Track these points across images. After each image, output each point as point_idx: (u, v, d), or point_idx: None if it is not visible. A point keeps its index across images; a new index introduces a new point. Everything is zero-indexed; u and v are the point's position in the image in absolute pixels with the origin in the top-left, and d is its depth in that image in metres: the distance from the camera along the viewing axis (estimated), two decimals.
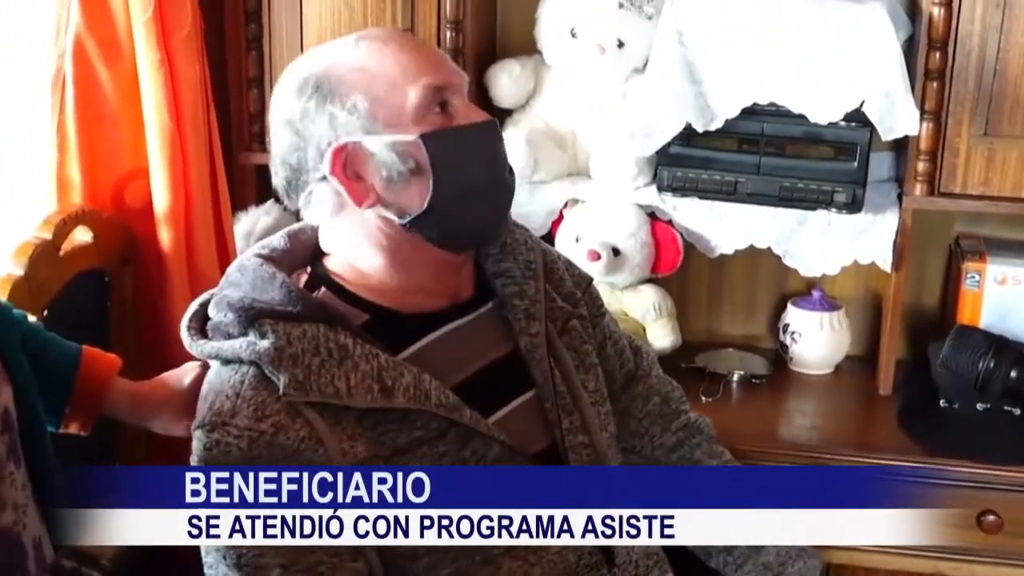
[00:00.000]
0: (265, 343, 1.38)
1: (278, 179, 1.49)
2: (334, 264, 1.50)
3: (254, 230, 2.45)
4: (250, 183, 2.54)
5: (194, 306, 1.52)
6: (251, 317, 1.41)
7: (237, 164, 2.50)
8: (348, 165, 1.42)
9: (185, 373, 1.64)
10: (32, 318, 1.73)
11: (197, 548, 1.42)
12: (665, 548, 1.66)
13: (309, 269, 1.53)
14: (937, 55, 2.22)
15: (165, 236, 2.14)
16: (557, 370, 1.55)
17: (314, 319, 1.41)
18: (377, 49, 1.43)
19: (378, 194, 1.42)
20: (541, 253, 1.62)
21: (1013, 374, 2.28)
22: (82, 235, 2.05)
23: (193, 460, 1.40)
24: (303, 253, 1.54)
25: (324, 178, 1.42)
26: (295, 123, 1.43)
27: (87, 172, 2.09)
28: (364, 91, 1.40)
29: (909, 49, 2.30)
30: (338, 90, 1.41)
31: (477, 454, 1.42)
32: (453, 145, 1.42)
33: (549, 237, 2.48)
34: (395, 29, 1.49)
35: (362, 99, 1.40)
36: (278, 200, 2.45)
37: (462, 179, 1.43)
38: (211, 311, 1.48)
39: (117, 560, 1.68)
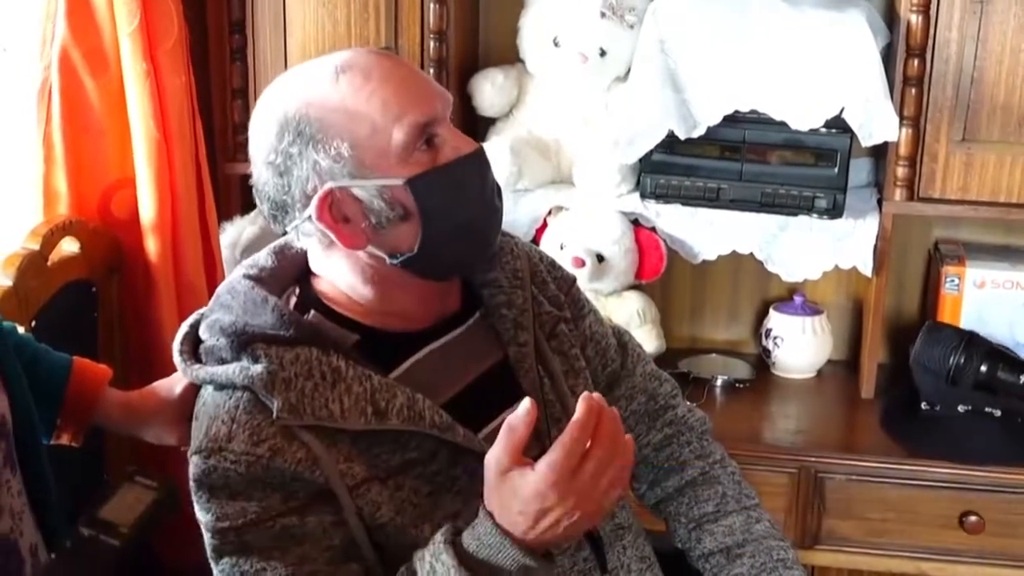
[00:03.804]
0: (258, 367, 1.37)
1: (262, 207, 1.46)
2: (323, 285, 1.49)
3: (239, 240, 2.46)
4: (235, 193, 2.55)
5: (184, 328, 1.51)
6: (243, 342, 1.40)
7: (222, 174, 2.51)
8: (335, 208, 1.40)
9: (176, 382, 1.63)
10: (21, 329, 1.73)
11: (191, 538, 1.42)
12: (657, 553, 1.67)
13: (298, 290, 1.51)
14: (915, 62, 2.25)
15: (152, 246, 2.15)
16: (546, 378, 1.55)
17: (306, 342, 1.40)
18: (359, 85, 1.37)
19: (368, 237, 1.41)
20: (527, 259, 1.62)
21: (983, 368, 2.30)
22: (69, 245, 2.05)
23: (192, 485, 1.39)
24: (291, 271, 1.52)
25: (310, 218, 1.41)
26: (277, 165, 1.39)
27: (74, 183, 2.10)
28: (347, 135, 1.36)
29: (887, 56, 2.33)
30: (321, 135, 1.36)
31: (468, 470, 1.43)
32: (441, 185, 1.39)
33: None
34: (376, 53, 1.44)
35: (346, 144, 1.36)
36: None
37: (451, 218, 1.40)
38: (203, 334, 1.46)
39: (135, 528, 1.68)
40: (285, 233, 1.49)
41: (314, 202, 1.39)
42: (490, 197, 1.47)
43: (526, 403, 1.25)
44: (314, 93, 1.39)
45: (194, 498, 1.39)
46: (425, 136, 1.39)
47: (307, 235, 1.44)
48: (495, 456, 1.27)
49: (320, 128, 1.37)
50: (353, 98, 1.37)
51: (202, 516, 1.39)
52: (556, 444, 1.26)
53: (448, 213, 1.41)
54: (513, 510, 1.27)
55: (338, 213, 1.40)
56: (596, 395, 1.29)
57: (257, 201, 1.46)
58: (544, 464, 1.25)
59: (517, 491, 1.26)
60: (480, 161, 1.45)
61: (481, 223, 1.46)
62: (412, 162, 1.38)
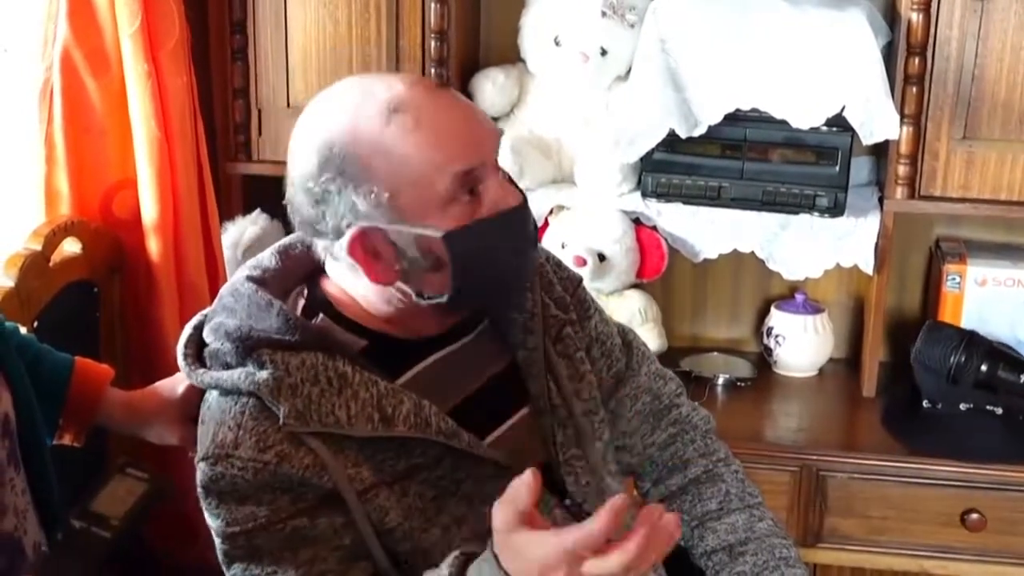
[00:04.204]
0: (264, 374, 1.36)
1: (293, 219, 1.43)
2: (333, 288, 1.47)
3: (241, 239, 2.47)
4: (236, 193, 2.55)
5: (188, 330, 1.49)
6: (249, 347, 1.38)
7: (223, 174, 2.51)
8: (367, 244, 1.38)
9: (178, 382, 1.64)
10: (23, 329, 1.73)
11: (191, 537, 1.41)
12: None
13: (306, 291, 1.50)
14: (916, 60, 2.25)
15: (153, 246, 2.15)
16: (552, 382, 1.55)
17: (312, 347, 1.39)
18: (409, 130, 1.34)
19: (397, 276, 1.39)
20: None
21: (983, 367, 2.31)
22: (71, 246, 2.05)
23: (200, 492, 1.39)
24: (297, 271, 1.51)
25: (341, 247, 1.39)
26: (315, 194, 1.36)
27: (75, 183, 2.10)
28: (389, 181, 1.33)
29: (888, 55, 2.34)
30: (361, 177, 1.33)
31: (473, 475, 1.42)
32: (477, 240, 1.36)
33: None
34: (429, 90, 1.39)
35: (386, 191, 1.33)
36: (264, 210, 2.50)
37: (485, 272, 1.39)
38: (207, 337, 1.45)
39: (126, 519, 1.69)
40: (286, 230, 1.48)
41: (346, 238, 1.36)
42: (527, 250, 1.45)
43: (528, 475, 1.19)
44: (362, 129, 1.35)
45: (203, 504, 1.39)
46: (468, 186, 1.36)
47: (335, 259, 1.42)
48: (501, 515, 1.21)
49: (363, 169, 1.34)
50: (401, 144, 1.34)
51: (212, 522, 1.39)
52: (574, 529, 1.18)
53: (482, 267, 1.39)
54: (516, 566, 1.21)
55: (370, 249, 1.38)
56: (655, 509, 1.20)
57: (289, 213, 1.43)
58: (552, 542, 1.18)
59: (521, 552, 1.20)
60: (522, 215, 1.42)
61: (514, 274, 1.45)
62: (451, 214, 1.35)
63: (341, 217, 1.36)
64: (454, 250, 1.36)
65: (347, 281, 1.45)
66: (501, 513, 1.22)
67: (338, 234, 1.37)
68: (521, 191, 1.43)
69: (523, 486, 1.19)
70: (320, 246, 1.43)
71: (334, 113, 1.38)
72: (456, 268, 1.37)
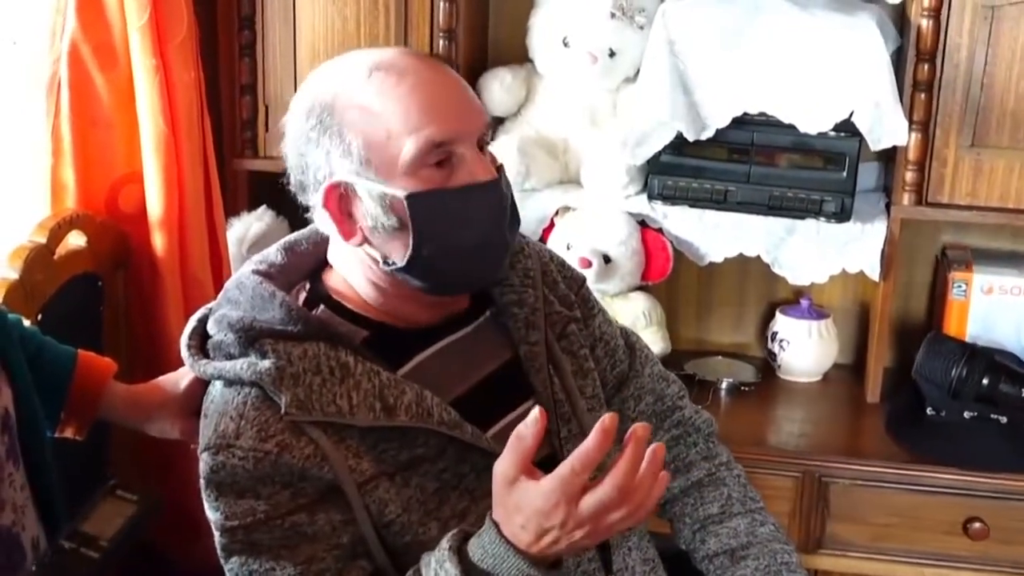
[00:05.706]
0: (266, 363, 1.37)
1: (291, 181, 1.47)
2: (334, 280, 1.49)
3: (246, 236, 2.47)
4: (243, 189, 2.55)
5: (192, 322, 1.51)
6: (251, 337, 1.40)
7: (230, 170, 2.51)
8: (343, 201, 1.40)
9: (181, 376, 1.64)
10: (27, 322, 1.73)
11: (193, 533, 1.41)
12: (661, 555, 1.67)
13: (308, 285, 1.51)
14: (925, 67, 2.25)
15: (159, 241, 2.15)
16: (556, 377, 1.55)
17: (315, 338, 1.40)
18: (390, 87, 1.37)
19: (365, 236, 1.41)
20: (538, 258, 1.62)
21: (985, 381, 2.31)
22: (76, 239, 2.05)
23: (201, 483, 1.40)
24: (301, 267, 1.53)
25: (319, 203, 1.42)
26: (299, 145, 1.41)
27: (81, 176, 2.10)
28: (362, 134, 1.37)
29: (898, 61, 2.33)
30: (338, 126, 1.37)
31: (476, 468, 1.43)
32: (440, 208, 1.38)
33: None
34: (419, 58, 1.42)
35: (359, 142, 1.36)
36: (270, 206, 2.50)
37: (445, 242, 1.39)
38: (211, 329, 1.46)
39: (115, 541, 1.69)
40: (291, 227, 1.49)
41: (321, 189, 1.40)
42: (495, 229, 1.44)
43: (534, 412, 1.22)
44: (345, 85, 1.39)
45: (203, 496, 1.40)
46: (440, 154, 1.37)
47: (320, 220, 1.45)
48: (503, 466, 1.25)
49: (340, 121, 1.38)
50: (378, 99, 1.37)
51: (211, 515, 1.39)
52: (565, 462, 1.22)
53: (442, 237, 1.39)
54: (516, 523, 1.25)
55: (345, 206, 1.40)
56: (637, 426, 1.23)
57: (291, 183, 1.47)
58: (549, 482, 1.22)
59: (521, 505, 1.24)
60: (490, 192, 1.42)
61: (479, 254, 1.43)
62: (421, 177, 1.37)
63: (318, 168, 1.40)
64: (415, 212, 1.37)
65: (342, 262, 1.47)
66: (502, 463, 1.25)
67: (317, 188, 1.41)
68: (501, 173, 1.44)
69: (528, 427, 1.22)
70: (312, 210, 1.45)
71: (323, 74, 1.44)
72: (415, 231, 1.38)
